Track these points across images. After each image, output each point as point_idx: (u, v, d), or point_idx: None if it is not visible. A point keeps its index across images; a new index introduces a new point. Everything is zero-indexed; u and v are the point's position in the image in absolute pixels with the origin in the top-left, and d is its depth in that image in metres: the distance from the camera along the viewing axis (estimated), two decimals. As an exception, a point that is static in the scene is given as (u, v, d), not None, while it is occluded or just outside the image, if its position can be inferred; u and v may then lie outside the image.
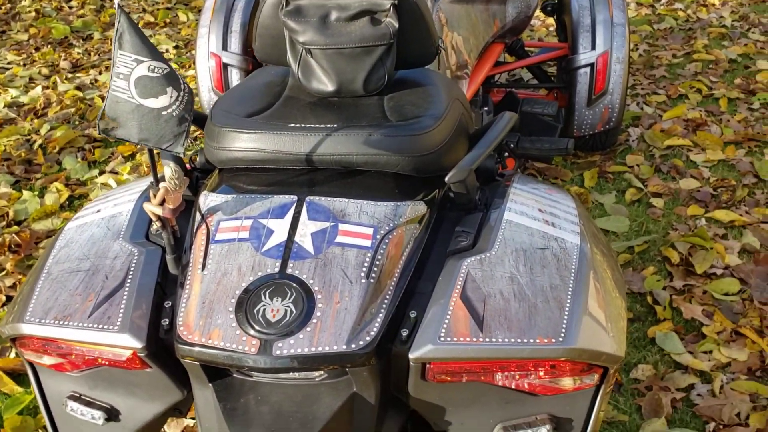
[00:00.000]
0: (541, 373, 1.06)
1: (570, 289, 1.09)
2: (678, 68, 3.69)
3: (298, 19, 1.32)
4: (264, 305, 1.05)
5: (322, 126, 1.24)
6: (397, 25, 1.31)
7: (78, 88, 3.78)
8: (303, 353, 1.02)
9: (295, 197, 1.17)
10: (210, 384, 1.12)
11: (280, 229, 1.12)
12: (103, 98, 3.66)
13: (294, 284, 1.06)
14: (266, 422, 1.06)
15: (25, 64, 4.14)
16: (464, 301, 1.06)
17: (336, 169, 1.24)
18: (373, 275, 1.08)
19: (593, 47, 2.68)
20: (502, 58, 3.18)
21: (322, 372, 1.10)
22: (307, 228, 1.12)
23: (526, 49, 3.06)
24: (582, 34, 2.71)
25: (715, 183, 2.71)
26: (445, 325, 1.04)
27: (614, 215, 2.58)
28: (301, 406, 1.07)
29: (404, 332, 1.07)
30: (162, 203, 1.08)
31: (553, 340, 1.03)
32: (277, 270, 1.08)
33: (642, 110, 3.27)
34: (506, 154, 2.60)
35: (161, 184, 1.08)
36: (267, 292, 1.06)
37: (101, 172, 3.03)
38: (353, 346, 1.02)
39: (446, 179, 1.19)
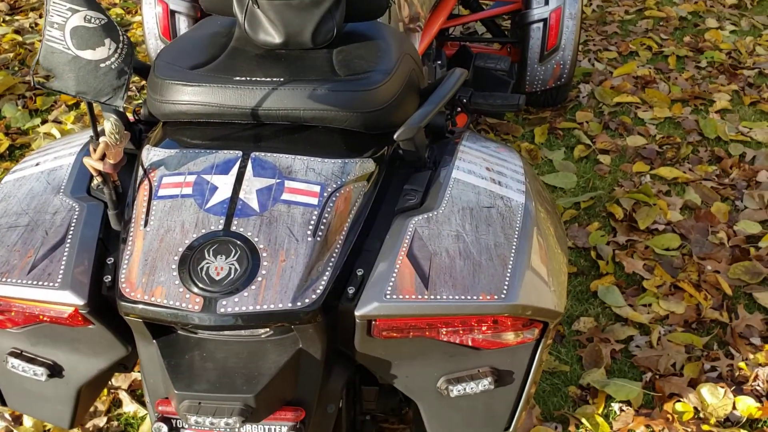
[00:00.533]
0: (484, 329, 1.09)
1: (513, 247, 1.11)
2: (630, 25, 3.72)
3: (244, -32, 1.28)
4: (208, 263, 1.04)
5: (268, 79, 1.21)
6: None
7: (17, 31, 3.62)
8: (247, 311, 1.01)
9: (240, 153, 1.15)
10: (154, 341, 1.11)
11: (224, 185, 1.10)
12: (44, 43, 3.52)
13: (238, 242, 1.05)
14: (211, 378, 1.06)
15: (-41, 6, 3.94)
16: (410, 258, 1.07)
17: (283, 124, 1.22)
18: (320, 233, 1.07)
19: (546, 2, 2.67)
20: (456, 11, 3.15)
21: (267, 329, 1.10)
22: (252, 184, 1.10)
23: (480, 2, 3.04)
24: (535, -12, 2.70)
25: (660, 140, 2.77)
26: (391, 283, 1.05)
27: (562, 171, 2.62)
28: (247, 362, 1.08)
29: (350, 290, 1.08)
30: (103, 158, 1.05)
31: (496, 297, 1.05)
32: (221, 227, 1.07)
33: (593, 66, 3.30)
34: (458, 109, 2.61)
35: (101, 139, 1.05)
36: (211, 250, 1.05)
37: (44, 121, 2.94)
38: (299, 303, 1.02)
39: (395, 136, 1.19)
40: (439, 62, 2.45)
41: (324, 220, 1.08)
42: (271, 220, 1.07)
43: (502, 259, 1.09)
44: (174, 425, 1.10)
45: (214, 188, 1.10)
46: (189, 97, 1.21)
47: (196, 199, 1.09)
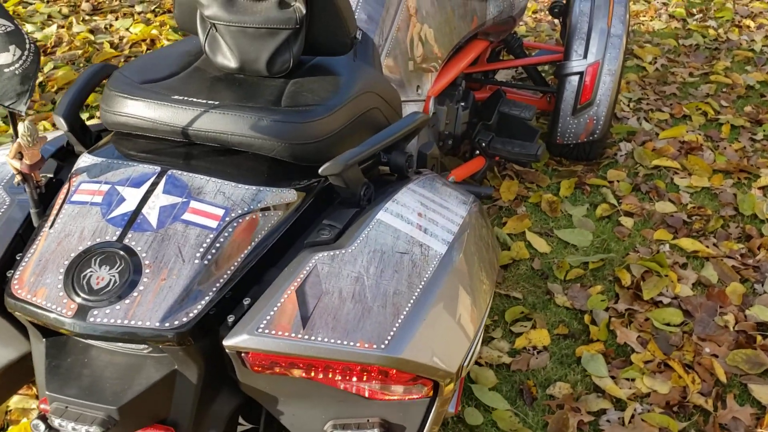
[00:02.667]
0: (365, 378, 1.06)
1: (413, 298, 1.08)
2: (691, 87, 3.59)
3: (206, -8, 1.32)
4: (92, 271, 1.06)
5: (203, 101, 1.24)
6: (304, 11, 1.30)
7: (91, 31, 3.84)
8: (115, 324, 1.03)
9: (158, 168, 1.18)
10: (44, 339, 1.14)
11: (132, 198, 1.13)
12: (112, 44, 3.72)
13: (126, 255, 1.07)
14: (83, 384, 1.08)
15: (48, 1, 4.21)
16: (299, 294, 1.06)
17: (213, 146, 1.25)
18: (209, 257, 1.08)
19: (585, 56, 2.62)
20: (501, 56, 3.14)
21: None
22: (157, 200, 1.13)
23: (525, 49, 3.01)
24: (576, 40, 2.66)
25: (691, 210, 2.65)
26: (268, 317, 1.04)
27: (579, 228, 2.55)
28: (122, 374, 1.09)
29: (230, 318, 1.08)
30: (21, 158, 1.10)
31: (374, 346, 1.03)
32: (115, 238, 1.09)
33: (640, 126, 3.20)
34: (477, 152, 2.59)
35: (17, 140, 1.10)
36: (98, 259, 1.07)
37: (90, 117, 3.09)
38: (166, 324, 1.03)
39: (319, 171, 1.19)
40: (462, 104, 2.44)
41: (217, 245, 1.09)
42: (164, 237, 1.09)
43: (396, 308, 1.07)
44: (50, 425, 1.13)
45: (122, 200, 1.13)
46: (128, 109, 1.26)
47: (102, 208, 1.12)
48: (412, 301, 1.08)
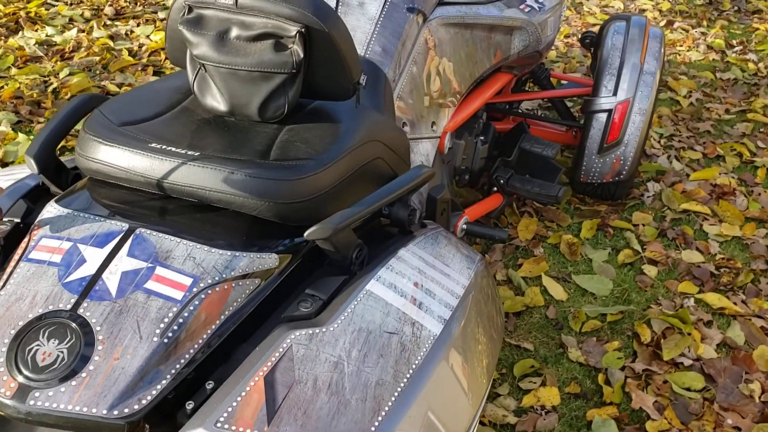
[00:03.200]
0: None
1: (399, 389, 0.97)
2: (726, 125, 3.43)
3: (195, 30, 1.21)
4: (38, 345, 0.96)
5: (183, 151, 1.13)
6: (302, 55, 1.19)
7: (111, 36, 3.78)
8: (57, 409, 0.92)
9: (126, 226, 1.07)
10: None
11: (93, 259, 1.03)
12: (131, 51, 3.65)
13: (78, 327, 0.97)
14: None
15: (71, 4, 4.17)
16: (267, 382, 0.95)
17: (191, 201, 1.14)
18: (170, 334, 0.97)
19: (615, 93, 2.49)
20: (527, 86, 3.01)
21: None
22: (120, 264, 1.02)
23: (552, 80, 2.88)
24: (606, 76, 2.52)
25: (719, 261, 2.49)
26: (230, 409, 0.93)
27: (599, 275, 2.41)
28: None
29: (189, 405, 0.97)
30: (-25, 209, 1.00)
31: None
32: (69, 306, 0.99)
33: (670, 165, 3.05)
34: (495, 189, 2.46)
35: None
36: (47, 331, 0.97)
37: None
38: (115, 412, 0.92)
39: (305, 235, 1.08)
40: (482, 138, 2.32)
41: (180, 320, 0.98)
42: (123, 309, 0.98)
43: (377, 402, 0.95)
44: None
45: (82, 261, 1.03)
46: (101, 155, 1.15)
47: (60, 269, 1.02)
48: (396, 394, 0.96)
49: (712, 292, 2.33)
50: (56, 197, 1.16)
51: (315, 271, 1.14)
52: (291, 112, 1.26)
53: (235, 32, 1.20)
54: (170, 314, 0.98)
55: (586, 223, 2.65)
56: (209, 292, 1.01)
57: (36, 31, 3.73)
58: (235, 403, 0.93)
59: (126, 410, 0.92)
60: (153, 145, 1.15)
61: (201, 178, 1.10)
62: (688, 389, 1.99)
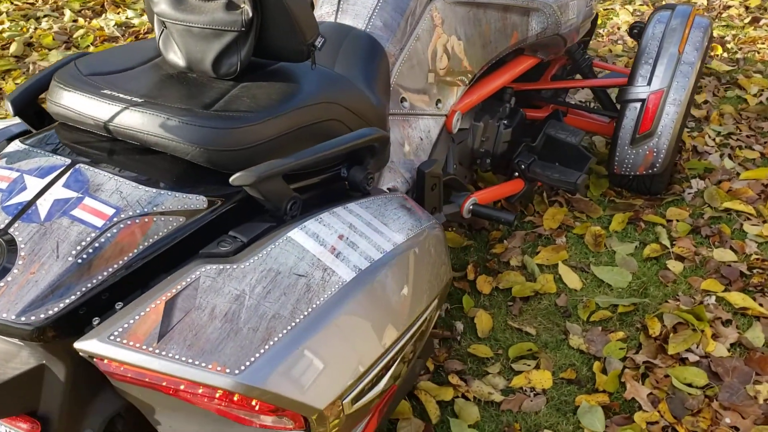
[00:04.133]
0: (216, 401, 1.01)
1: (292, 325, 1.02)
2: (794, 126, 3.24)
3: (158, -12, 1.31)
4: None
5: (129, 98, 1.23)
6: (251, 14, 1.26)
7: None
8: None
9: (68, 161, 1.17)
10: None
11: (33, 187, 1.13)
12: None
13: (5, 244, 1.08)
14: None
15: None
16: (168, 306, 1.02)
17: (134, 144, 1.23)
18: (84, 256, 1.06)
19: (649, 82, 2.43)
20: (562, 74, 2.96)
21: None
22: (55, 193, 1.12)
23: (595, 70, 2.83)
24: (643, 65, 2.46)
25: (753, 262, 2.38)
26: (126, 325, 1.01)
27: (620, 267, 2.36)
28: None
29: (95, 321, 1.06)
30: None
31: (227, 371, 0.97)
32: (2, 226, 1.10)
33: (721, 163, 2.92)
34: (516, 173, 2.46)
35: None
36: None
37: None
38: (22, 318, 1.02)
39: (230, 180, 1.15)
40: (505, 122, 2.33)
41: (96, 245, 1.07)
42: (47, 231, 1.08)
43: (268, 332, 1.01)
44: None
45: (23, 188, 1.13)
46: (63, 100, 1.27)
47: (3, 194, 1.14)
48: (289, 328, 1.02)
49: (738, 291, 2.24)
50: (24, 137, 1.29)
51: (252, 218, 1.21)
52: (250, 71, 1.33)
53: (192, -9, 1.29)
54: (88, 239, 1.08)
55: (617, 216, 2.59)
56: (128, 222, 1.10)
57: (118, 14, 3.99)
58: (132, 321, 1.02)
59: (33, 318, 1.02)
60: (105, 91, 1.25)
61: (140, 122, 1.20)
62: (690, 385, 1.93)
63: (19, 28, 3.82)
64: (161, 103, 1.23)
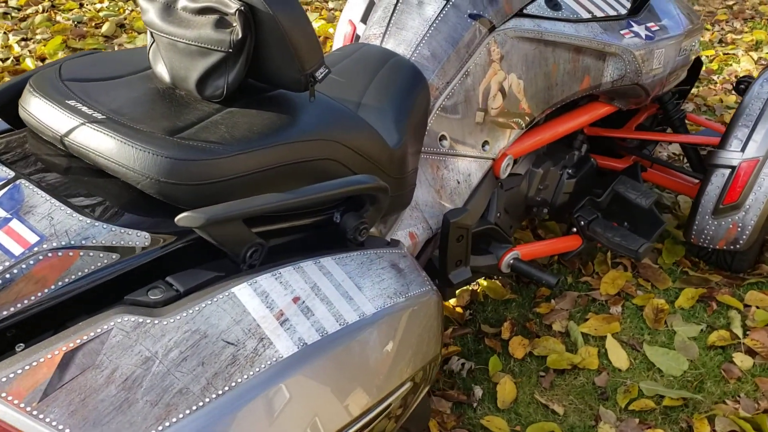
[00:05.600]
0: None
1: (198, 405, 0.87)
2: None
3: (148, -4, 1.19)
4: None
5: (90, 113, 1.11)
6: (241, 35, 1.12)
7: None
8: None
9: (12, 175, 1.07)
10: None
11: None
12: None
13: None
14: None
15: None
16: (65, 359, 0.89)
17: (91, 165, 1.11)
18: None
19: (744, 148, 2.13)
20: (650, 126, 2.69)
21: None
22: None
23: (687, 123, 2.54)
24: (740, 127, 2.17)
25: (839, 371, 2.05)
26: (12, 374, 0.89)
27: (677, 351, 2.08)
28: None
29: None
30: None
31: None
32: None
33: (824, 246, 2.56)
34: (574, 229, 2.23)
35: None
36: None
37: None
38: None
39: (176, 219, 1.01)
40: (570, 170, 2.11)
41: (8, 275, 0.95)
42: None
43: (167, 410, 0.86)
44: None
45: None
46: (28, 105, 1.17)
47: None
48: (194, 408, 0.87)
49: (813, 403, 1.92)
50: None
51: (207, 262, 1.07)
52: (246, 94, 1.20)
53: (182, 2, 1.16)
54: (0, 267, 0.97)
55: (687, 290, 2.30)
56: (49, 255, 0.98)
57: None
58: (20, 371, 0.90)
59: None
60: (70, 101, 1.15)
61: (93, 141, 1.08)
62: None
63: (117, 9, 3.88)
64: (124, 122, 1.11)
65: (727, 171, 2.15)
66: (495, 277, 2.30)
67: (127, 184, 1.11)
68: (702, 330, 2.17)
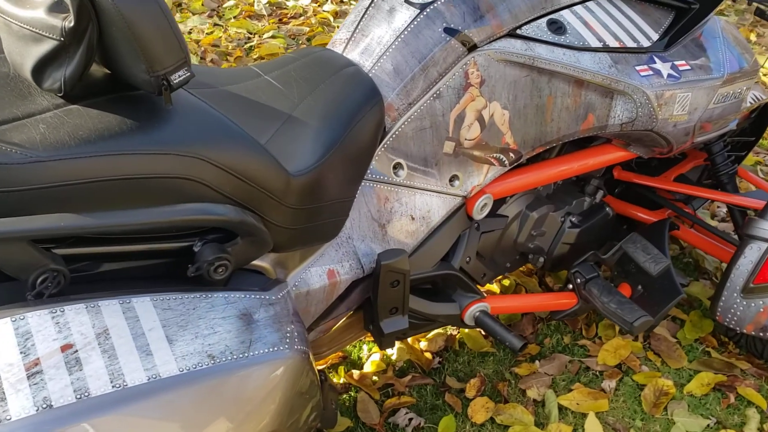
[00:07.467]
0: None
1: None
2: None
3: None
4: None
5: None
6: (73, 24, 0.95)
7: (337, 13, 3.79)
8: None
9: None
10: None
11: None
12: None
13: None
14: None
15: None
16: None
17: None
18: None
19: (786, 221, 1.79)
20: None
21: None
22: None
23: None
24: (786, 196, 1.83)
25: None
26: None
27: (670, 448, 1.77)
28: None
29: None
30: None
31: None
32: None
33: None
34: (570, 286, 1.96)
35: None
36: None
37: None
38: None
39: None
40: (573, 219, 1.84)
41: None
42: None
43: None
44: None
45: None
46: None
47: None
48: None
49: None
50: None
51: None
52: (101, 92, 1.04)
53: (21, -22, 1.01)
54: None
55: (703, 374, 1.97)
56: None
57: (274, -7, 3.90)
58: None
59: None
60: None
61: None
62: None
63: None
64: None
65: (765, 245, 1.81)
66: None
67: None
68: (709, 425, 1.85)
